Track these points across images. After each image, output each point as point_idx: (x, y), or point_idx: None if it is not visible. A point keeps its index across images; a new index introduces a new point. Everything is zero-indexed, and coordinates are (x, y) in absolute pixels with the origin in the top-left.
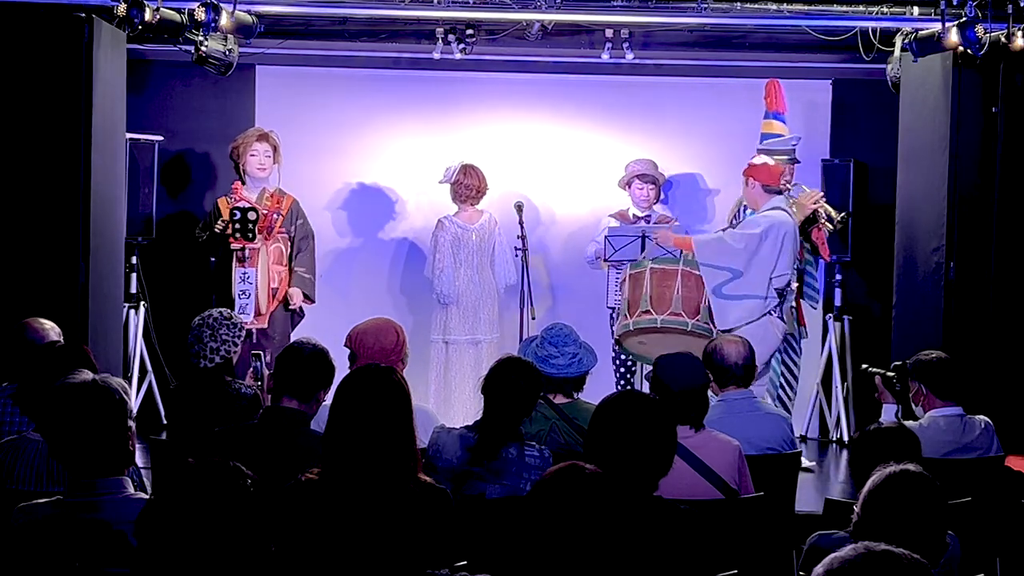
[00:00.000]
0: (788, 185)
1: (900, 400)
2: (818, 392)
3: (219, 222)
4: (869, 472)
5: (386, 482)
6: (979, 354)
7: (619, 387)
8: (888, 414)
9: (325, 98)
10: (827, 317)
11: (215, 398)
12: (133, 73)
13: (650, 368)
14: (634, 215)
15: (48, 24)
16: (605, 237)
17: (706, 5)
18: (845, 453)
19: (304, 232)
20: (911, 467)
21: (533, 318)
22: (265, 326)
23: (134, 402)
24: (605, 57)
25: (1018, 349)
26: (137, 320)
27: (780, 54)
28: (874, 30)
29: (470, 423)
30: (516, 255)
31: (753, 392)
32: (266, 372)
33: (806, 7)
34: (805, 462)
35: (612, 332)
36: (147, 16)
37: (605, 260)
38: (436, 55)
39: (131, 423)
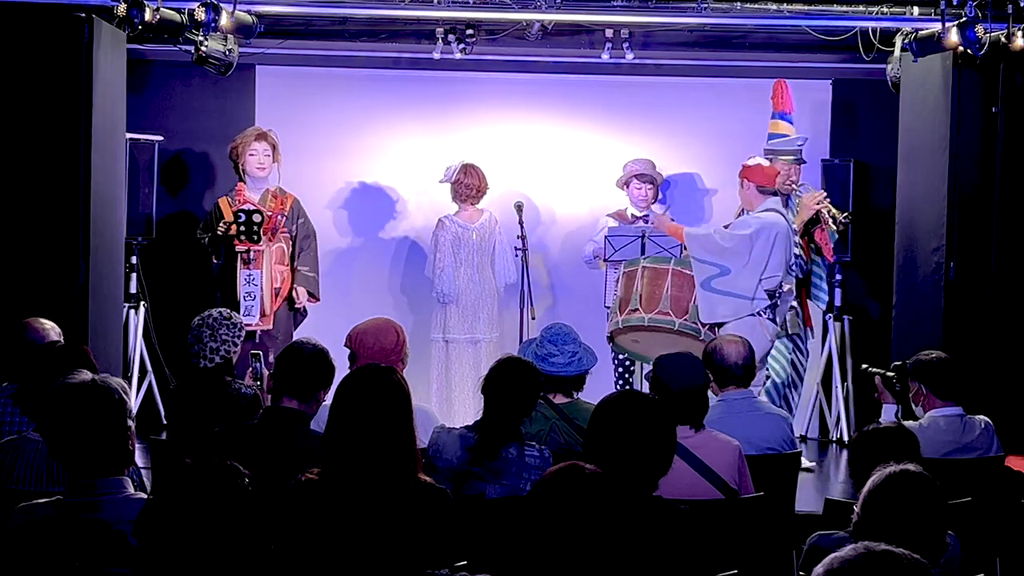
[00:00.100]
0: (795, 186)
1: (900, 400)
2: (818, 392)
3: (221, 223)
4: (869, 472)
5: (386, 482)
6: (979, 354)
7: (618, 387)
8: (888, 414)
9: (325, 98)
10: (827, 317)
11: (215, 398)
12: (133, 73)
13: (650, 368)
14: (632, 215)
15: (48, 24)
16: (605, 237)
17: (706, 5)
18: (845, 453)
19: (306, 231)
20: (911, 467)
21: (533, 318)
22: (270, 327)
23: (134, 402)
24: (605, 57)
25: (1018, 349)
26: (137, 320)
27: (780, 54)
28: (874, 30)
29: (470, 423)
30: (516, 255)
31: (753, 392)
32: (266, 372)
33: (806, 7)
34: (805, 462)
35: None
36: (147, 16)
37: (605, 260)
38: (436, 55)
39: (131, 423)
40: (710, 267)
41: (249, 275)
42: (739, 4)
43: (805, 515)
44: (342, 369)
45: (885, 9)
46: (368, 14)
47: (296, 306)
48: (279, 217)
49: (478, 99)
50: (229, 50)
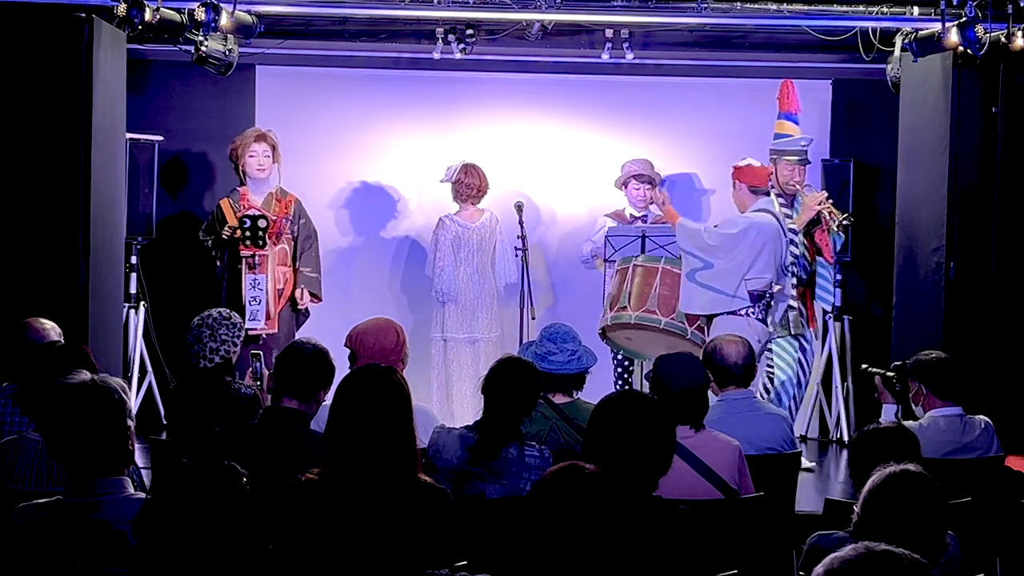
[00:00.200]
0: (799, 186)
1: (900, 400)
2: (818, 392)
3: (225, 228)
4: (869, 472)
5: (386, 482)
6: (979, 354)
7: (617, 387)
8: (888, 414)
9: (325, 98)
10: (827, 317)
11: (215, 398)
12: (133, 73)
13: (650, 368)
14: (631, 215)
15: (48, 24)
16: (605, 236)
17: (706, 5)
18: (845, 453)
19: (307, 231)
20: (911, 467)
21: (533, 318)
22: (276, 330)
23: (134, 402)
24: (605, 57)
25: (1018, 349)
26: (137, 320)
27: (780, 54)
28: (874, 30)
29: (470, 423)
30: (516, 255)
31: (753, 392)
32: (266, 372)
33: (806, 7)
34: (805, 462)
35: None
36: (147, 16)
37: (605, 260)
38: (436, 55)
39: (131, 423)
40: (696, 260)
41: (254, 280)
42: (739, 4)
43: (805, 515)
44: (342, 369)
45: (885, 9)
46: (368, 14)
47: (299, 307)
48: (284, 221)
49: (478, 99)
50: (229, 50)
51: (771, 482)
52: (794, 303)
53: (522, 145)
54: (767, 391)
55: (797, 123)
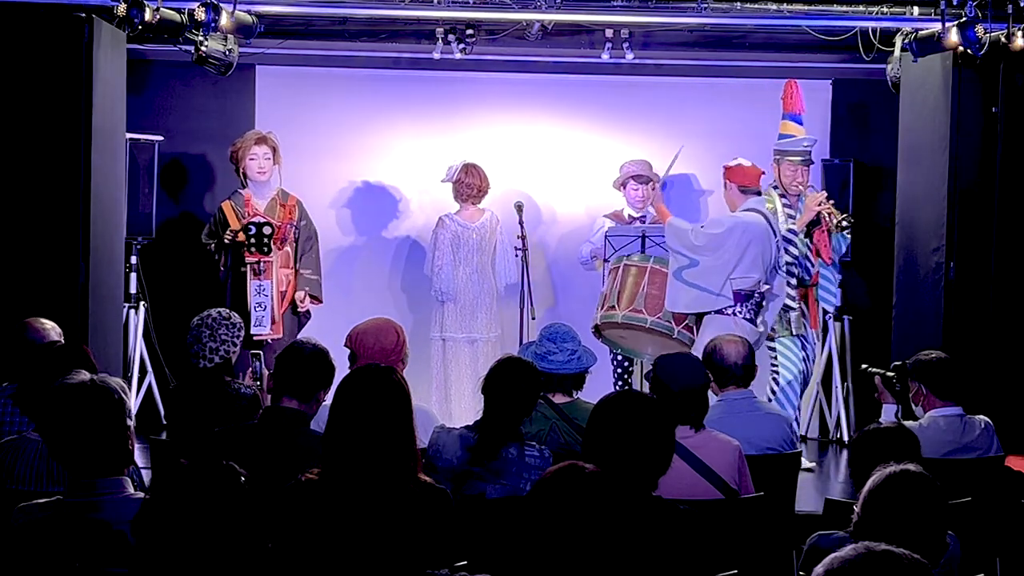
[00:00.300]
0: (802, 187)
1: (900, 400)
2: (818, 392)
3: (228, 232)
4: (869, 472)
5: (386, 482)
6: (979, 354)
7: (617, 387)
8: (888, 414)
9: (325, 98)
10: (827, 317)
11: (215, 398)
12: (133, 73)
13: (649, 368)
14: (629, 215)
15: (48, 24)
16: (605, 237)
17: (706, 5)
18: (845, 453)
19: (308, 233)
20: (911, 467)
21: (533, 318)
22: (281, 335)
23: (134, 402)
24: (605, 57)
25: (1018, 349)
26: (137, 320)
27: (780, 54)
28: (874, 30)
29: (470, 423)
30: (516, 255)
31: (753, 392)
32: (266, 372)
33: (806, 7)
34: (805, 462)
35: None
36: (147, 16)
37: (605, 260)
38: (436, 55)
39: (130, 423)
40: (683, 258)
41: (259, 286)
42: (739, 4)
43: (805, 515)
44: (342, 369)
45: (885, 9)
46: (368, 14)
47: (299, 310)
48: (288, 227)
49: (478, 99)
50: (229, 50)
51: (771, 482)
52: (794, 303)
53: (522, 145)
54: (774, 393)
55: (801, 124)
